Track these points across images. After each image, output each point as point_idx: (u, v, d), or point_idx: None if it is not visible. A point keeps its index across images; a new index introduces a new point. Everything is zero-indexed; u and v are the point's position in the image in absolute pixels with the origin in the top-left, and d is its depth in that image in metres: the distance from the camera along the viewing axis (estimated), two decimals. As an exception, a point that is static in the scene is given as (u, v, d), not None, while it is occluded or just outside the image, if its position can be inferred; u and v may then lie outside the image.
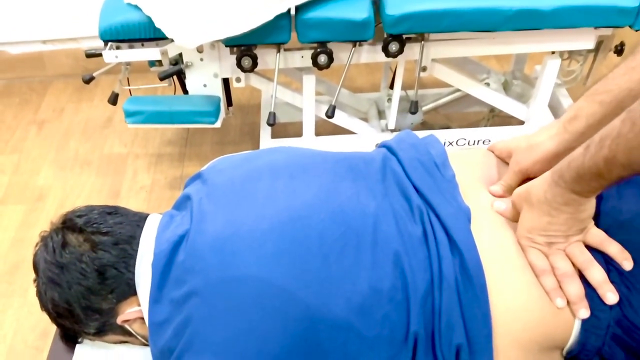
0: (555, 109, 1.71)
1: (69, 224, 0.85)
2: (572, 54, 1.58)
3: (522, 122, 1.69)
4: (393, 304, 0.74)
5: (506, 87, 1.76)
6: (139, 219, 0.87)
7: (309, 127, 1.66)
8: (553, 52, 1.54)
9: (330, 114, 1.54)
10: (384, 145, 0.95)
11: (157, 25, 1.37)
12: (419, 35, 1.46)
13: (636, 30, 1.42)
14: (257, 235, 0.75)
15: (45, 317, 0.89)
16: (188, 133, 2.03)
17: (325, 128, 1.74)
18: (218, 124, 1.57)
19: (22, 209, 1.77)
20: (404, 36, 1.44)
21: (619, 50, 1.55)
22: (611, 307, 0.73)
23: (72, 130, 2.08)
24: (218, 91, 1.58)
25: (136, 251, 0.82)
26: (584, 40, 1.49)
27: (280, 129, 1.90)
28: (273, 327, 0.71)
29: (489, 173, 0.90)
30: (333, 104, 1.54)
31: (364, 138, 1.68)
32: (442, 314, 0.74)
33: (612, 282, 0.74)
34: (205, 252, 0.75)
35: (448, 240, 0.77)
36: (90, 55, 1.54)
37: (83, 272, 0.81)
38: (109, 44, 1.48)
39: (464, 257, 0.75)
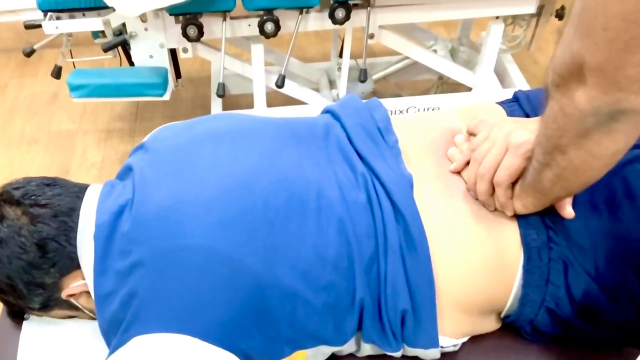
0: (501, 75, 1.74)
1: (5, 197, 0.82)
2: (515, 19, 1.61)
3: (470, 89, 1.71)
4: (338, 271, 0.74)
5: (453, 54, 1.78)
6: (79, 190, 0.84)
7: (260, 98, 1.65)
8: (497, 17, 1.56)
9: (280, 83, 1.54)
10: (328, 111, 0.95)
11: (96, -7, 1.33)
12: (365, 1, 1.46)
13: (575, -6, 1.45)
14: (202, 204, 0.75)
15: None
16: (138, 107, 1.99)
17: (277, 99, 1.73)
18: (167, 97, 1.54)
19: (-33, 189, 1.72)
20: (350, 2, 1.43)
21: (560, 14, 1.58)
22: (547, 283, 0.76)
23: (16, 106, 2.01)
24: (165, 62, 1.55)
25: (77, 223, 0.80)
26: (526, 4, 1.51)
27: (232, 101, 1.88)
28: (221, 295, 0.71)
29: (434, 139, 0.90)
30: (282, 73, 1.53)
31: (315, 108, 1.68)
32: (387, 281, 0.75)
33: (553, 259, 0.76)
34: (150, 221, 0.74)
35: (392, 206, 0.77)
36: (29, 26, 1.49)
37: (22, 246, 0.79)
38: (49, 14, 1.43)
39: (408, 223, 0.76)
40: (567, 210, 0.75)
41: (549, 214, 0.76)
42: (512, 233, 0.78)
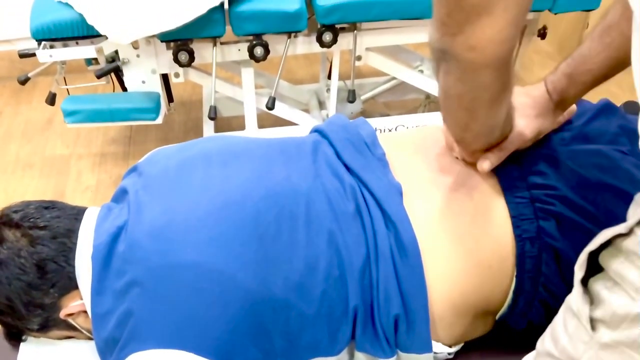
0: (486, 92, 1.77)
1: (5, 220, 0.83)
2: (498, 39, 1.65)
3: (456, 107, 1.75)
4: (330, 281, 0.76)
5: (439, 73, 1.82)
6: (77, 213, 0.86)
7: (251, 120, 1.68)
8: (480, 38, 1.60)
9: (270, 105, 1.57)
10: (316, 130, 0.98)
11: (89, 22, 1.36)
12: (351, 24, 1.51)
13: (555, 14, 1.49)
14: (193, 222, 0.77)
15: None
16: (131, 131, 2.02)
17: (268, 120, 1.77)
18: (159, 120, 1.57)
19: (-37, 215, 1.73)
20: (337, 26, 1.48)
21: (542, 33, 1.63)
22: (540, 273, 0.78)
23: (11, 133, 2.04)
24: (157, 87, 1.59)
25: (75, 244, 0.81)
26: (508, 25, 1.55)
27: (223, 123, 1.92)
28: (215, 310, 0.72)
29: (419, 148, 0.92)
30: (272, 95, 1.56)
31: (306, 128, 1.71)
32: (379, 287, 0.76)
33: (545, 249, 0.78)
34: (143, 241, 0.76)
35: (382, 214, 0.79)
36: (23, 55, 1.52)
37: (22, 267, 0.80)
38: (42, 43, 1.47)
39: (398, 229, 0.78)
40: (482, 165, 0.80)
41: (540, 203, 0.79)
42: (504, 227, 0.79)
